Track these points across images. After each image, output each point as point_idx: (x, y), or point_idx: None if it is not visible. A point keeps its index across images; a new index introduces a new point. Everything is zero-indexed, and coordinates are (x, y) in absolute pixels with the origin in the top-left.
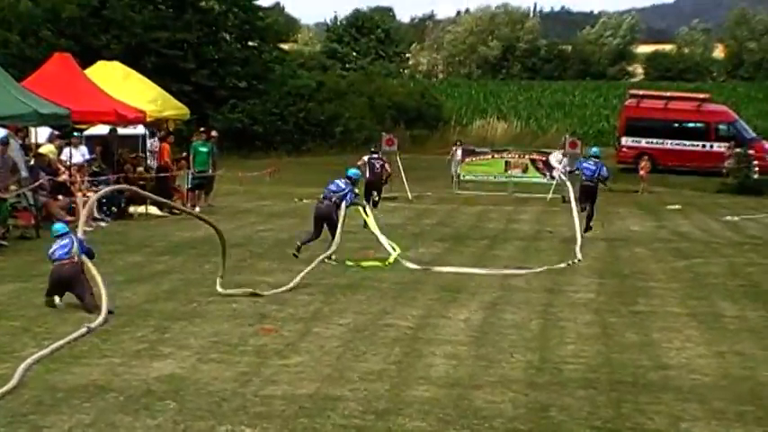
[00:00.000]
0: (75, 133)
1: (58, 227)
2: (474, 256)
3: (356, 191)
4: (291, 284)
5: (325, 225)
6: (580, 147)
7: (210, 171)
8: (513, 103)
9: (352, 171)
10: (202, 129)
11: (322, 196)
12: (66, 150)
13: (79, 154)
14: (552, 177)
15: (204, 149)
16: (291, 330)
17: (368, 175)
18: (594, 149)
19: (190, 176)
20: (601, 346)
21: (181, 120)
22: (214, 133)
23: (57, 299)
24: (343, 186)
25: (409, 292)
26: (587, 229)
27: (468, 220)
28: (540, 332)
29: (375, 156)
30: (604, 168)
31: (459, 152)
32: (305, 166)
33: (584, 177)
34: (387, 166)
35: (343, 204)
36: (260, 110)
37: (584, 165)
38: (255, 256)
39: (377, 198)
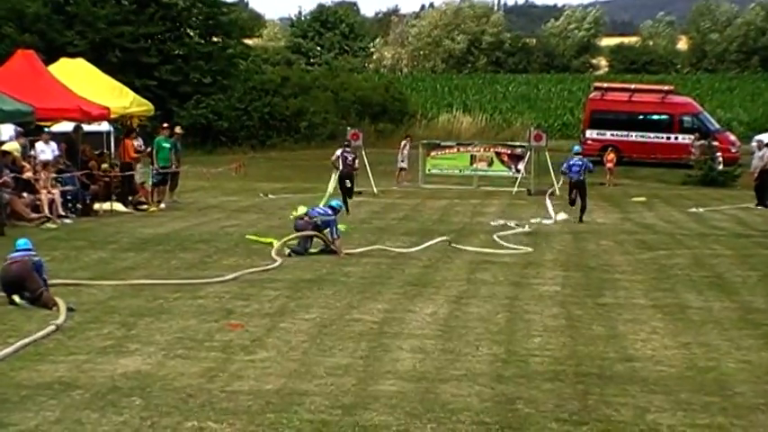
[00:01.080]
0: (46, 129)
1: (21, 242)
2: (440, 249)
3: (339, 227)
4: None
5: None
6: (545, 139)
7: (174, 167)
8: (478, 96)
9: (335, 202)
10: (165, 124)
11: (304, 213)
12: (38, 146)
13: (49, 150)
14: (518, 171)
15: (167, 145)
16: (257, 326)
17: (341, 168)
18: (577, 147)
19: (153, 172)
20: (567, 338)
21: (145, 116)
22: (179, 130)
23: (16, 298)
24: (331, 212)
25: (375, 286)
26: (580, 220)
27: (434, 213)
28: (506, 325)
29: (348, 149)
30: (590, 163)
31: (408, 147)
32: (270, 162)
33: (572, 175)
34: (357, 160)
35: (327, 231)
36: (224, 105)
37: (572, 162)
38: (221, 252)
39: (349, 185)
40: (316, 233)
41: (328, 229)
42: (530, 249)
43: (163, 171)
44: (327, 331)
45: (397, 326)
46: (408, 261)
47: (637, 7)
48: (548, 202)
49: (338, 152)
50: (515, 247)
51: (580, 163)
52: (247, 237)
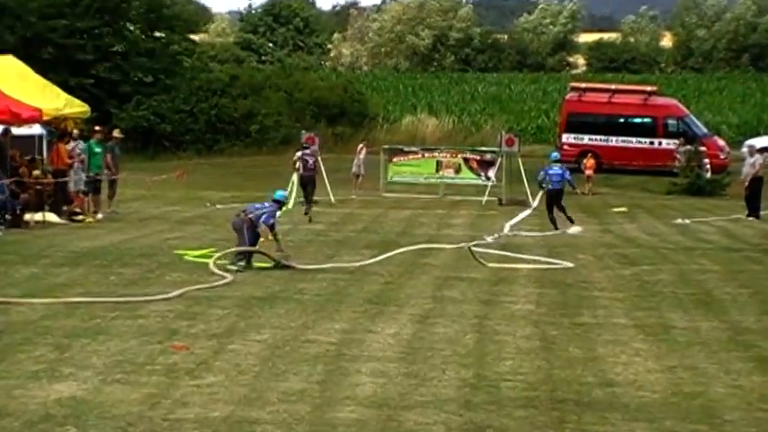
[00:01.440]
0: None
1: None
2: (404, 263)
3: (277, 214)
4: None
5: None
6: (518, 144)
7: (110, 174)
8: (445, 97)
9: (279, 193)
10: (98, 127)
11: (242, 210)
12: None
13: None
14: (488, 178)
15: (99, 150)
16: (204, 347)
17: (302, 171)
18: (555, 154)
19: (84, 179)
20: (541, 361)
21: (81, 118)
22: (117, 133)
23: None
24: (267, 206)
25: (332, 304)
26: (555, 228)
27: (397, 225)
28: (475, 347)
29: (307, 152)
30: (567, 172)
31: (364, 152)
32: (218, 168)
33: (552, 184)
34: (317, 163)
35: (261, 224)
36: (168, 107)
37: (552, 171)
38: (163, 267)
39: (310, 198)
40: (256, 249)
41: (260, 222)
42: (570, 264)
43: (96, 178)
44: (280, 353)
45: (357, 348)
46: (368, 277)
47: (617, 1)
48: (508, 223)
49: (298, 153)
50: (555, 261)
51: (560, 171)
52: (176, 253)
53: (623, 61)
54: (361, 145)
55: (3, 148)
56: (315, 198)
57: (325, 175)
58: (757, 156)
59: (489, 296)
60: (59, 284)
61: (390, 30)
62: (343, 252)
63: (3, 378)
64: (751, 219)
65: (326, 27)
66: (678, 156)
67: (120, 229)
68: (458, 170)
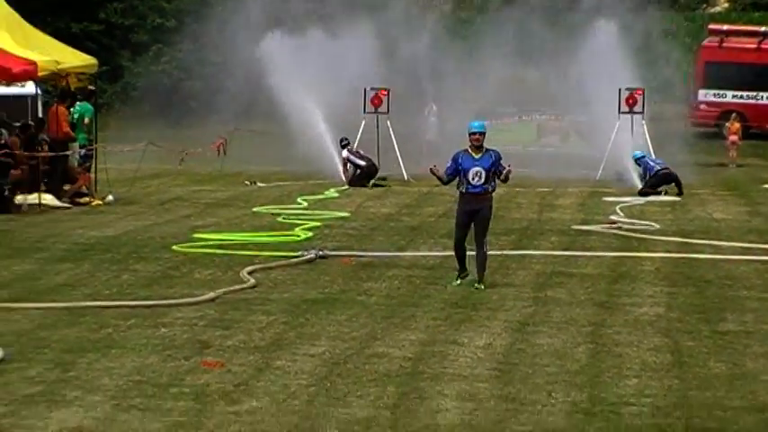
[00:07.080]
0: None
1: None
2: (494, 258)
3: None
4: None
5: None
6: (642, 102)
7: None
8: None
9: (478, 124)
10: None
11: (475, 179)
12: None
13: None
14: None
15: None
16: (243, 364)
17: (362, 163)
18: (638, 152)
19: (81, 151)
20: (674, 380)
21: (86, 73)
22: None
23: None
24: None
25: (407, 308)
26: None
27: None
28: (588, 362)
29: (351, 151)
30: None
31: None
32: (260, 137)
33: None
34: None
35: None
36: (196, 58)
37: (653, 161)
38: (191, 263)
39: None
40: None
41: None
42: None
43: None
44: (341, 371)
45: (438, 364)
46: (453, 273)
47: None
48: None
49: (344, 154)
50: None
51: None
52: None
53: None
54: (428, 108)
55: None
56: (382, 175)
57: (395, 142)
58: None
59: (606, 297)
60: (60, 285)
61: None
62: (418, 241)
63: None
64: None
65: None
66: None
67: (136, 215)
68: (565, 138)
